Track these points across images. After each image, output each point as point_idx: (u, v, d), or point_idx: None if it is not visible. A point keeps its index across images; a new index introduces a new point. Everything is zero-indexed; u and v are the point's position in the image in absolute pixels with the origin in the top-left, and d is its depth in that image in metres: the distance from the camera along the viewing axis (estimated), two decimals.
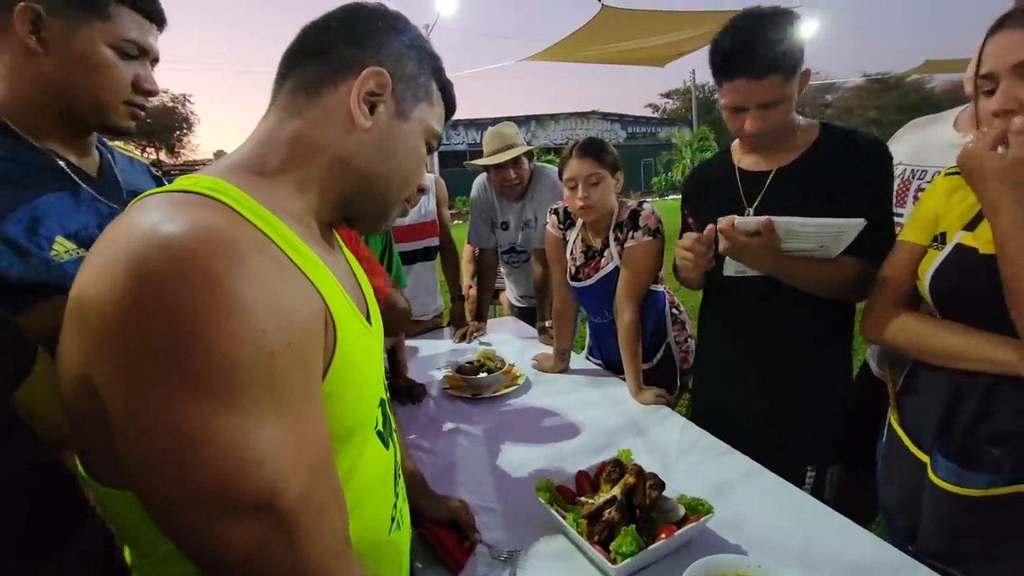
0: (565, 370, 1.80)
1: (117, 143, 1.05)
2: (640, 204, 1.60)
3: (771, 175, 1.23)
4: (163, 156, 29.79)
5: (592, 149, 1.55)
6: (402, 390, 1.68)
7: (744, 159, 1.29)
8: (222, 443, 0.39)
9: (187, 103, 31.51)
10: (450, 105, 0.67)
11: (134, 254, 0.39)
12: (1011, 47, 0.79)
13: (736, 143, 1.32)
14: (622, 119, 31.80)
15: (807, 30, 1.20)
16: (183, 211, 0.43)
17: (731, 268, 1.22)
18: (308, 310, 0.47)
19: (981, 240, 0.86)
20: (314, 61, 0.57)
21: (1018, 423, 0.84)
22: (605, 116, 30.73)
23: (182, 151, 31.88)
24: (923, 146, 1.33)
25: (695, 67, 31.47)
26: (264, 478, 0.41)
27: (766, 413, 1.29)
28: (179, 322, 0.38)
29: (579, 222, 1.71)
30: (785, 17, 1.09)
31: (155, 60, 0.89)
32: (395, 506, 0.65)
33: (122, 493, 0.47)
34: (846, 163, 1.15)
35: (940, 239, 0.93)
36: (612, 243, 1.61)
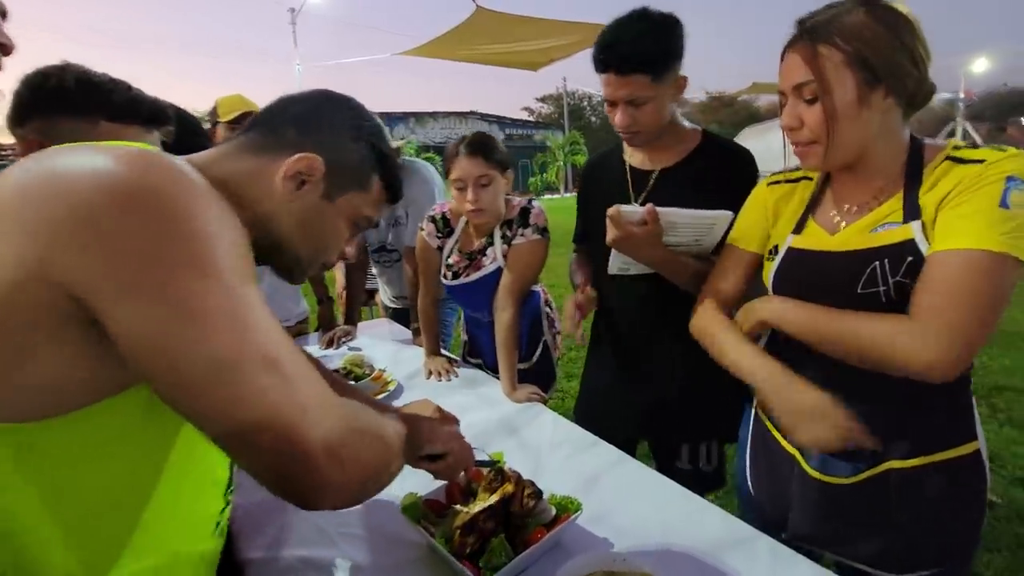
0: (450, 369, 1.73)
1: None
2: (529, 202, 1.58)
3: (655, 175, 1.28)
4: None
5: (481, 147, 1.47)
6: None
7: (634, 156, 1.33)
8: (229, 311, 0.46)
9: None
10: (395, 193, 0.74)
11: (111, 170, 0.46)
12: (791, 70, 0.84)
13: None
14: (500, 120, 32.45)
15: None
16: (118, 148, 0.49)
17: (615, 266, 1.25)
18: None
19: (807, 239, 0.92)
20: (264, 129, 0.66)
21: (861, 409, 0.81)
22: (484, 117, 31.11)
23: None
24: (764, 156, 1.48)
25: (566, 74, 33.28)
26: (263, 338, 0.48)
27: (648, 401, 1.37)
28: (170, 213, 0.46)
29: (458, 229, 1.64)
30: (663, 22, 1.13)
31: (2, 13, 0.67)
32: (222, 512, 0.66)
33: (26, 426, 0.47)
34: (723, 172, 1.21)
35: (773, 251, 0.97)
36: (498, 240, 1.57)
